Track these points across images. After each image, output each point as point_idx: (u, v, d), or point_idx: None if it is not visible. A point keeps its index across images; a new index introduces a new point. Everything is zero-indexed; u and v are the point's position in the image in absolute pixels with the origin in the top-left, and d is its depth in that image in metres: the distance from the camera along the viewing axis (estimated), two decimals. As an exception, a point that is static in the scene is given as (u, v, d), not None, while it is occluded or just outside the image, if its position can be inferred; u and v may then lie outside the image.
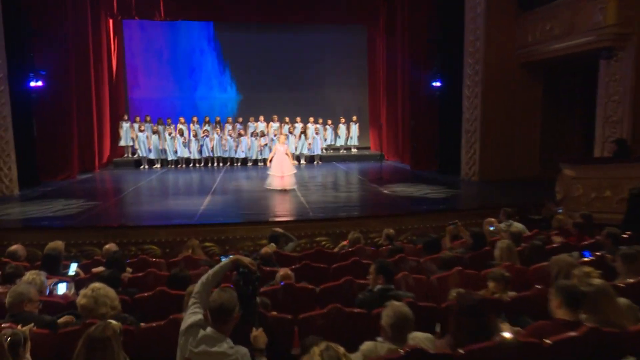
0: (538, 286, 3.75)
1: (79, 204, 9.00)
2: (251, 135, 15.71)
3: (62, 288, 4.40)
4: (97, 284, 3.30)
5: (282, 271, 4.23)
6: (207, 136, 15.47)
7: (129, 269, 5.15)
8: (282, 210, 8.58)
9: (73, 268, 5.20)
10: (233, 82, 18.35)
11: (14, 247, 5.67)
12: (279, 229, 6.26)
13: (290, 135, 15.77)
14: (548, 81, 11.55)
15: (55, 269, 4.93)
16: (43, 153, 12.46)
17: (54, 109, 12.59)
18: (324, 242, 7.52)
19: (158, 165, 15.54)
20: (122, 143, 15.95)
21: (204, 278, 2.94)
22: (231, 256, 3.25)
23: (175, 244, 7.20)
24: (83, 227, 7.41)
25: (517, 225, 6.26)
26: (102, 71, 15.32)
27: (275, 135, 15.53)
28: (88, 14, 14.26)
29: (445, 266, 4.60)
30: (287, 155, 10.34)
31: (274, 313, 3.45)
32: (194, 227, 7.39)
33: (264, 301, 3.54)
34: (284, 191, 10.07)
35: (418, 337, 2.76)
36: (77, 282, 4.65)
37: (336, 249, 6.36)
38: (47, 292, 4.21)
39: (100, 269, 5.01)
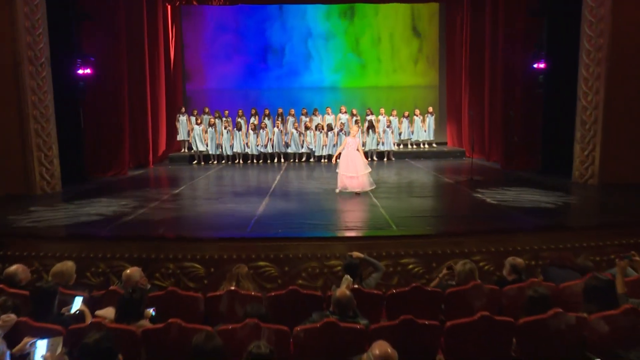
0: None
1: (119, 206, 7.77)
2: (316, 129, 14.12)
3: (41, 348, 2.95)
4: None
5: (378, 348, 2.50)
6: (263, 129, 14.06)
7: (149, 312, 3.64)
8: (356, 220, 6.87)
9: (77, 304, 3.78)
10: (298, 70, 16.85)
11: (13, 268, 4.37)
12: (357, 254, 4.53)
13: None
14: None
15: (46, 310, 3.51)
16: (91, 147, 11.56)
17: (104, 100, 11.63)
18: (411, 266, 5.73)
19: (215, 162, 14.35)
20: (179, 137, 14.91)
21: None
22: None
23: (222, 262, 5.70)
24: (113, 238, 6.08)
25: None
26: (158, 60, 14.27)
27: (341, 130, 13.87)
28: (143, -1, 13.23)
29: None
30: (359, 152, 8.60)
31: None
32: (246, 241, 5.84)
33: None
34: (356, 194, 8.36)
35: None
36: (70, 335, 3.20)
37: (434, 283, 4.56)
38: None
39: (109, 311, 3.54)
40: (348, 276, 4.12)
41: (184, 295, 4.08)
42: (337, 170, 8.62)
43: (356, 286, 4.12)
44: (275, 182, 10.10)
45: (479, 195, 8.18)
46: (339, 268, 5.66)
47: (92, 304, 4.01)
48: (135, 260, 5.77)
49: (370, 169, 8.63)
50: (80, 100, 10.87)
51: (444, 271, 4.57)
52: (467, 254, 5.72)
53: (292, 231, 6.12)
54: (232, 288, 4.09)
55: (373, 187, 8.51)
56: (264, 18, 16.63)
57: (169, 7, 15.46)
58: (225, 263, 5.68)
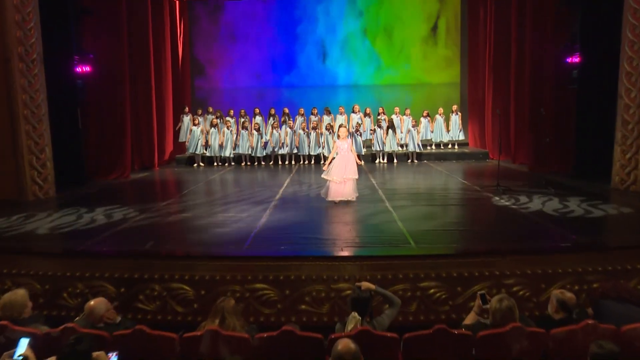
0: None
1: (110, 214, 7.11)
2: (326, 129, 13.35)
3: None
4: None
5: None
6: (275, 129, 13.35)
7: (104, 361, 2.91)
8: (369, 234, 6.03)
9: (22, 347, 3.07)
10: (310, 69, 16.09)
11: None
12: (367, 285, 3.73)
13: (378, 129, 13.20)
14: None
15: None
16: (93, 149, 10.99)
17: (105, 99, 11.05)
18: (432, 290, 4.91)
19: (219, 164, 13.67)
20: (182, 138, 14.27)
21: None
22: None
23: (214, 284, 4.97)
24: (92, 254, 5.41)
25: None
26: (164, 57, 13.67)
27: (356, 131, 13.08)
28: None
29: None
30: (352, 153, 7.75)
31: None
32: (242, 260, 5.09)
33: None
34: (343, 203, 7.52)
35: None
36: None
37: (470, 319, 3.74)
38: None
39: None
40: (356, 314, 3.35)
41: (155, 335, 3.34)
42: (325, 176, 7.64)
43: (366, 326, 3.34)
44: (283, 187, 9.35)
45: (509, 204, 7.30)
46: (349, 292, 4.89)
47: (46, 344, 3.31)
48: (116, 280, 5.09)
49: (357, 176, 7.71)
50: (80, 99, 10.28)
51: (477, 302, 3.74)
52: (499, 276, 4.90)
53: (296, 247, 5.37)
54: (215, 327, 3.34)
55: (355, 197, 7.58)
56: (283, 9, 15.90)
57: (177, 2, 14.85)
58: (218, 285, 4.97)
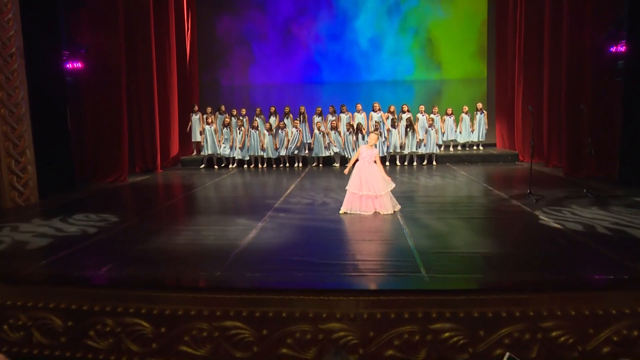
0: None
1: (82, 226, 6.29)
2: (345, 129, 12.39)
3: None
4: None
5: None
6: (282, 129, 12.45)
7: None
8: (372, 258, 4.97)
9: None
10: (328, 64, 15.13)
11: None
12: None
13: (392, 130, 12.17)
14: None
15: None
16: (88, 151, 10.31)
17: (100, 97, 10.33)
18: (447, 334, 3.87)
19: (228, 166, 12.86)
20: (194, 138, 13.51)
21: None
22: None
23: (176, 320, 4.05)
24: (37, 280, 4.56)
25: None
26: (168, 53, 12.90)
27: (376, 129, 12.04)
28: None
29: None
30: (377, 164, 6.78)
31: None
32: (211, 291, 4.13)
33: None
34: (375, 215, 6.56)
35: None
36: None
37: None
38: None
39: None
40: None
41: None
42: (346, 188, 6.83)
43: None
44: (285, 194, 8.39)
45: (545, 219, 6.15)
46: (342, 334, 3.92)
47: None
48: (63, 312, 4.23)
49: (393, 185, 6.78)
50: (71, 97, 9.57)
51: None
52: (534, 318, 3.83)
53: (279, 274, 4.40)
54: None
55: (397, 209, 6.70)
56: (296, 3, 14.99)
57: (184, -7, 14.11)
58: (181, 321, 4.04)
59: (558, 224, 5.87)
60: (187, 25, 14.50)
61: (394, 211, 6.64)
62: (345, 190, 6.84)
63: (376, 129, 12.07)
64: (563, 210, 6.56)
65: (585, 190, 7.66)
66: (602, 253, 4.79)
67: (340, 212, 6.73)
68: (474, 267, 4.45)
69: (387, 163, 12.38)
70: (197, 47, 14.99)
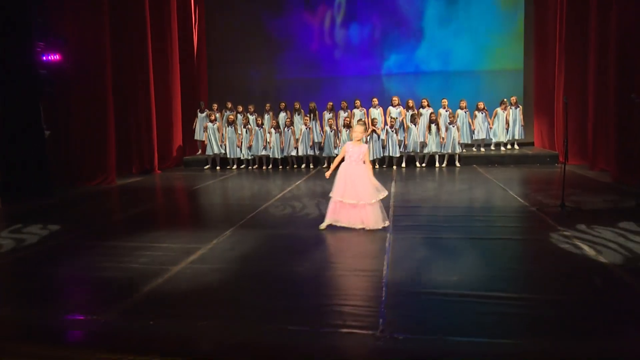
0: None
1: (18, 242, 5.35)
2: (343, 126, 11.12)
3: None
4: None
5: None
6: (288, 127, 11.31)
7: None
8: (347, 301, 3.51)
9: None
10: (347, 57, 13.88)
11: None
12: None
13: (412, 126, 10.77)
14: None
15: None
16: (73, 151, 9.51)
17: (83, 93, 9.46)
18: None
19: (234, 166, 11.84)
20: (196, 137, 12.58)
21: None
22: None
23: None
24: None
25: None
26: (169, 47, 12.00)
27: (392, 127, 10.70)
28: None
29: None
30: (366, 164, 5.47)
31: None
32: (74, 349, 2.99)
33: None
34: (361, 231, 5.28)
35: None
36: None
37: None
38: None
39: None
40: None
41: None
42: (329, 194, 5.56)
43: None
44: (270, 202, 7.21)
45: (575, 243, 4.65)
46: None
47: None
48: None
49: (385, 194, 5.45)
50: (47, 93, 8.77)
51: None
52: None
53: (212, 324, 3.19)
54: None
55: (385, 225, 5.37)
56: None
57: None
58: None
59: (593, 249, 4.39)
60: (195, 18, 13.61)
61: (383, 227, 5.32)
62: (329, 198, 5.60)
63: (391, 126, 10.73)
64: (604, 229, 5.04)
65: (636, 202, 6.07)
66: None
67: (321, 226, 5.48)
68: (459, 323, 3.04)
69: (404, 164, 11.00)
70: (206, 42, 14.06)
